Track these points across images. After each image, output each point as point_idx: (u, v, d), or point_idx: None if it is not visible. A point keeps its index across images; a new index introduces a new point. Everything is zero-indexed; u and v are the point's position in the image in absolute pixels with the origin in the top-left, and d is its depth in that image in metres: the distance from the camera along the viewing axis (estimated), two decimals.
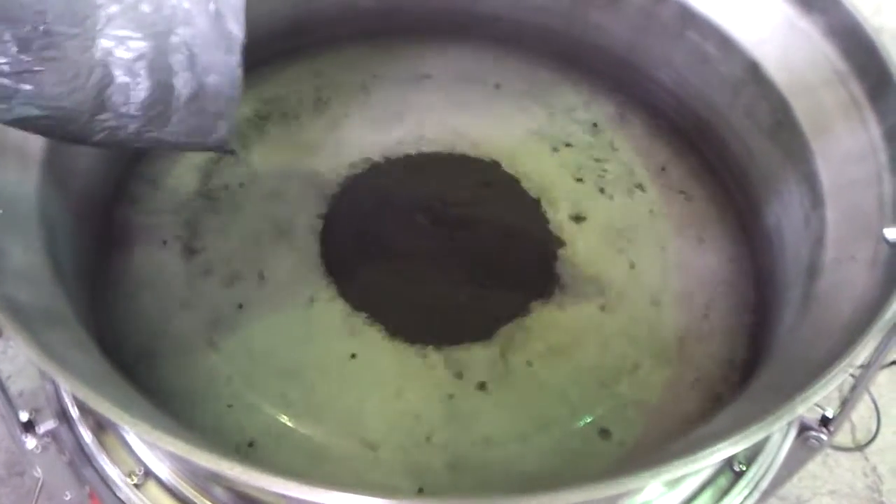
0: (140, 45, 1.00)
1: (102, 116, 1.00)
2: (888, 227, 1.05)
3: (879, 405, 2.21)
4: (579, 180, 1.50)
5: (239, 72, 1.09)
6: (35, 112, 0.96)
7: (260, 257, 1.36)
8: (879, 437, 2.18)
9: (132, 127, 1.03)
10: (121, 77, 1.00)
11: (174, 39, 1.02)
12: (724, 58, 1.44)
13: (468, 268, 1.38)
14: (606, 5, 1.58)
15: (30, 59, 0.93)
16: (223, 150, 1.15)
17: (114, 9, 0.97)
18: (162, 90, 1.03)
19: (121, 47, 0.98)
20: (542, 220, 1.43)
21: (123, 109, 1.01)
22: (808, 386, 0.87)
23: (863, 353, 0.91)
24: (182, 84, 1.04)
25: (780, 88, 1.35)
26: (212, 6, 1.04)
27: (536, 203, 1.46)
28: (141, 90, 1.01)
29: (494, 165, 1.51)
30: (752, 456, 1.14)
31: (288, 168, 1.49)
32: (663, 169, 1.53)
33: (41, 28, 0.93)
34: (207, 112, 1.08)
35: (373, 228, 1.41)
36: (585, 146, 1.56)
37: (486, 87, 1.66)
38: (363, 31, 1.71)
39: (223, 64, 1.07)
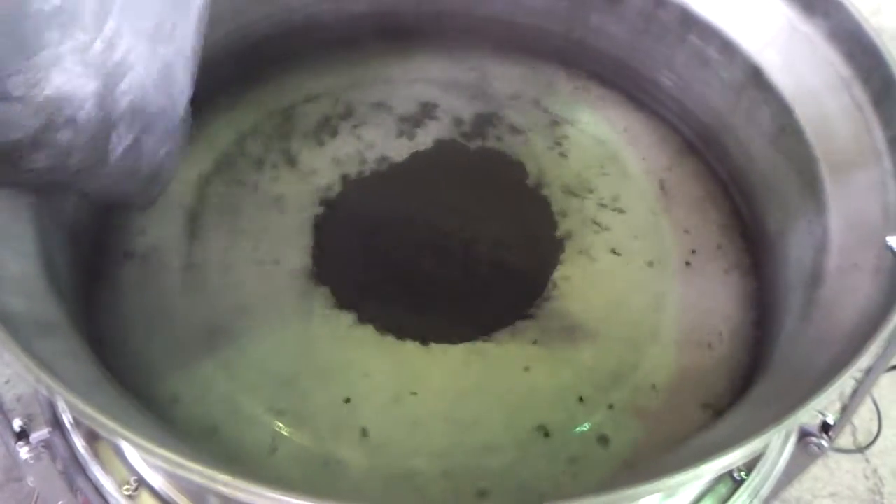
0: (88, 87, 0.97)
1: (36, 156, 0.98)
2: (892, 234, 1.04)
3: (880, 407, 2.21)
4: (579, 185, 1.49)
5: (185, 124, 1.08)
6: None
7: (257, 266, 1.35)
8: (880, 438, 2.18)
9: (64, 171, 1.01)
10: (62, 117, 0.97)
11: (123, 85, 1.00)
12: (725, 62, 1.44)
13: (466, 273, 1.37)
14: (606, 8, 1.57)
15: None
16: (148, 205, 1.14)
17: (63, 48, 0.94)
18: (103, 135, 1.01)
19: (67, 87, 0.96)
20: (542, 226, 1.43)
21: (59, 150, 0.99)
22: (809, 396, 0.86)
23: (865, 363, 0.90)
24: (124, 131, 1.03)
25: (783, 93, 1.34)
26: (163, 54, 1.03)
27: (535, 208, 1.45)
28: (82, 133, 0.99)
29: (493, 170, 1.51)
30: (752, 463, 1.14)
31: (285, 176, 1.48)
32: (665, 174, 1.52)
33: None
34: (139, 170, 1.07)
35: (370, 236, 1.41)
36: (586, 151, 1.55)
37: (484, 91, 1.65)
38: (358, 36, 1.70)
39: (169, 116, 1.06)
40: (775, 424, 0.84)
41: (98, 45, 0.97)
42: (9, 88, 0.92)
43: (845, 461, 2.14)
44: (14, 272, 1.04)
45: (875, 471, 2.13)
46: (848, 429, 2.18)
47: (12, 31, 0.90)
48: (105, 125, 1.01)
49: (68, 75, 0.95)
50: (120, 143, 1.03)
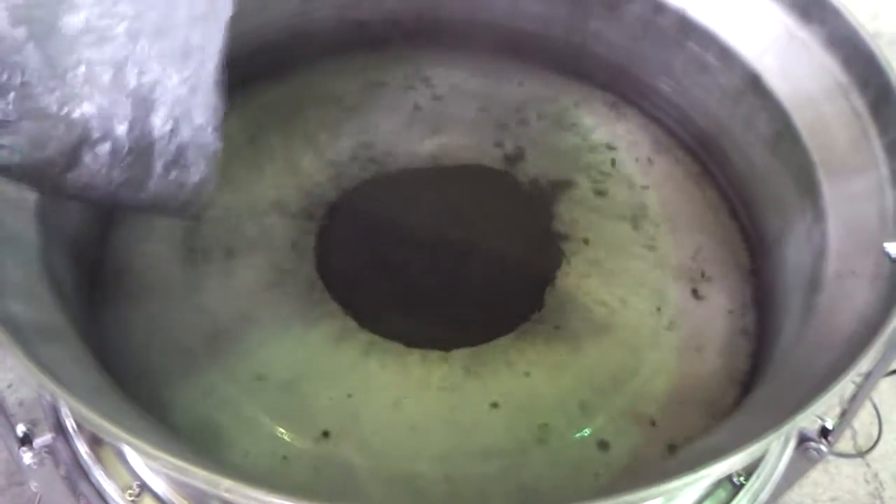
0: (122, 107, 0.98)
1: (74, 174, 0.98)
2: (889, 241, 1.04)
3: (881, 412, 2.21)
4: (577, 190, 1.49)
5: (217, 145, 1.09)
6: (6, 159, 0.94)
7: (258, 271, 1.35)
8: (881, 443, 2.18)
9: (105, 188, 1.02)
10: (98, 136, 0.98)
11: (157, 106, 1.01)
12: (723, 68, 1.44)
13: (466, 279, 1.38)
14: (605, 14, 1.58)
15: (4, 107, 0.91)
16: (191, 219, 1.16)
17: (98, 68, 0.95)
18: (140, 156, 1.02)
19: (103, 105, 0.97)
20: (541, 230, 1.43)
21: (97, 167, 0.99)
22: (807, 401, 0.86)
23: (863, 368, 0.90)
24: (161, 151, 1.03)
25: (781, 100, 1.35)
26: (192, 75, 1.04)
27: (535, 213, 1.46)
28: (118, 153, 1.00)
29: (493, 176, 1.51)
30: (751, 467, 1.14)
31: (286, 181, 1.48)
32: (663, 180, 1.52)
33: (18, 79, 0.91)
34: (185, 183, 1.08)
35: (370, 240, 1.41)
36: (585, 157, 1.55)
37: (485, 97, 1.65)
38: (359, 42, 1.71)
39: (202, 136, 1.06)
40: (774, 429, 0.84)
41: (130, 65, 0.98)
42: (42, 105, 0.93)
43: (846, 466, 2.14)
44: (17, 278, 1.05)
45: (875, 475, 2.14)
46: (848, 433, 2.18)
47: (44, 48, 0.92)
48: (145, 140, 1.01)
49: (102, 93, 0.96)
50: (162, 156, 1.03)
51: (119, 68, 0.97)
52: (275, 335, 1.28)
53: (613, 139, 1.59)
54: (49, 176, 0.98)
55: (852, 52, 1.26)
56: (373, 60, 1.70)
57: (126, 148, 1.00)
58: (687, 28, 1.47)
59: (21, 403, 1.84)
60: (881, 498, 2.10)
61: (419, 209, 1.47)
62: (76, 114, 0.95)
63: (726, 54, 1.43)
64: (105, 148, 0.98)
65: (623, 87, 1.64)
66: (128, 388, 1.10)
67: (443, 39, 1.71)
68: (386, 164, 1.52)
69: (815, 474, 2.10)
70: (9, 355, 0.88)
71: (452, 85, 1.67)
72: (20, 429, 1.06)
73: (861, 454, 2.16)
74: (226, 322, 1.29)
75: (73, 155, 0.97)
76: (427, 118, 1.60)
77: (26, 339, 0.91)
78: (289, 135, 1.56)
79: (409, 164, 1.52)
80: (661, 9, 1.49)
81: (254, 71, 1.62)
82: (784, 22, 1.35)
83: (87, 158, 0.98)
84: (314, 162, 1.51)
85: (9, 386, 2.00)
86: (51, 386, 0.84)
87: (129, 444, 0.80)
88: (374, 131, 1.57)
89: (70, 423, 1.13)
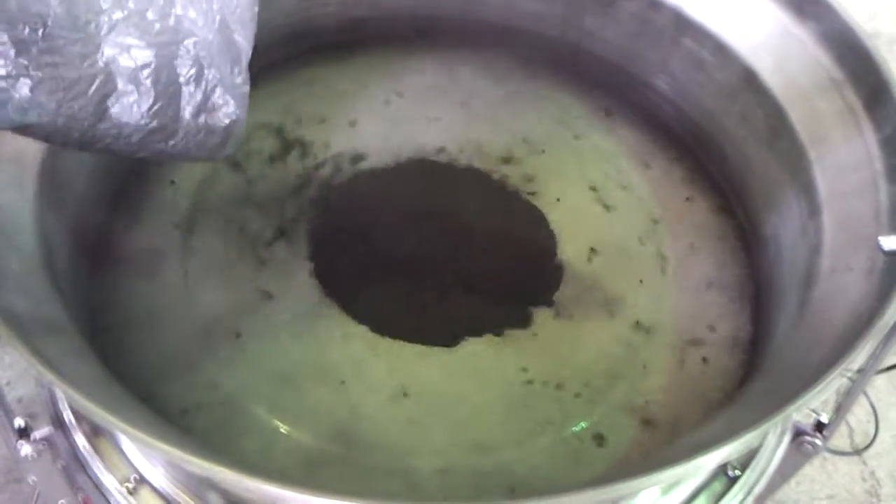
0: (145, 55, 0.98)
1: (104, 125, 0.98)
2: (883, 235, 1.05)
3: (878, 409, 2.21)
4: (576, 185, 1.50)
5: (245, 87, 1.08)
6: (34, 118, 0.93)
7: (255, 266, 1.35)
8: (878, 441, 2.18)
9: (135, 137, 1.01)
10: (124, 86, 0.98)
11: (181, 50, 1.00)
12: (719, 65, 1.45)
13: (465, 274, 1.38)
14: (600, 11, 1.58)
15: (28, 62, 0.90)
16: (223, 157, 1.14)
17: (118, 15, 0.95)
18: (167, 102, 1.01)
19: (125, 55, 0.96)
20: (539, 229, 1.43)
21: (126, 119, 0.99)
22: (799, 394, 0.87)
23: (855, 361, 0.91)
24: (188, 97, 1.02)
25: (776, 96, 1.35)
26: (220, 18, 1.03)
27: (533, 211, 1.46)
28: (145, 101, 0.99)
29: (488, 173, 1.51)
30: (746, 461, 1.14)
31: (283, 177, 1.49)
32: (660, 176, 1.53)
33: (40, 32, 0.90)
34: (215, 127, 1.07)
35: (365, 236, 1.41)
36: (582, 154, 1.56)
37: (479, 94, 1.66)
38: (354, 40, 1.71)
39: (229, 78, 1.06)
40: (767, 420, 0.85)
41: (153, 12, 0.98)
42: (66, 58, 0.92)
43: (842, 463, 2.14)
44: (17, 271, 1.05)
45: (872, 473, 2.14)
46: (845, 431, 2.18)
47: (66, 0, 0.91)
48: (170, 89, 1.01)
49: (124, 43, 0.96)
50: (189, 106, 1.03)
51: (141, 15, 0.97)
52: (273, 330, 1.28)
53: (608, 136, 1.59)
54: (77, 130, 0.97)
55: (847, 48, 1.27)
56: (369, 58, 1.70)
57: (153, 95, 1.00)
58: (682, 25, 1.47)
59: (20, 400, 1.85)
60: (878, 495, 2.11)
61: (416, 205, 1.48)
62: (100, 63, 0.95)
63: (722, 51, 1.43)
64: (132, 97, 0.98)
65: (618, 84, 1.64)
66: (125, 380, 1.11)
67: (439, 37, 1.72)
68: (380, 160, 1.52)
69: (813, 472, 2.11)
70: (8, 348, 0.88)
71: (447, 82, 1.67)
72: (18, 421, 1.06)
73: (858, 452, 2.16)
74: (224, 317, 1.29)
75: (100, 107, 0.97)
76: (422, 115, 1.60)
77: (26, 332, 0.91)
78: (284, 131, 1.56)
79: (402, 161, 1.53)
80: (657, 6, 1.49)
81: (253, 68, 1.62)
82: (779, 18, 1.35)
83: (115, 109, 0.98)
84: (310, 158, 1.52)
85: (7, 383, 2.00)
86: (50, 376, 0.85)
87: (125, 431, 0.80)
88: (368, 128, 1.58)
89: (68, 416, 1.14)
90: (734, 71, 1.42)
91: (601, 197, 1.49)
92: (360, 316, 1.30)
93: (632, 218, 1.46)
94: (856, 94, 1.26)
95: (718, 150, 1.50)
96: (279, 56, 1.65)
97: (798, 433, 1.15)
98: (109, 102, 0.97)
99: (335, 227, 1.41)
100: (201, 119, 1.05)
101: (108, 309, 1.28)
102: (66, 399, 0.84)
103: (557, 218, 1.45)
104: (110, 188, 1.40)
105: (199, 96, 1.04)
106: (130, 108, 0.99)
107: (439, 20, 1.71)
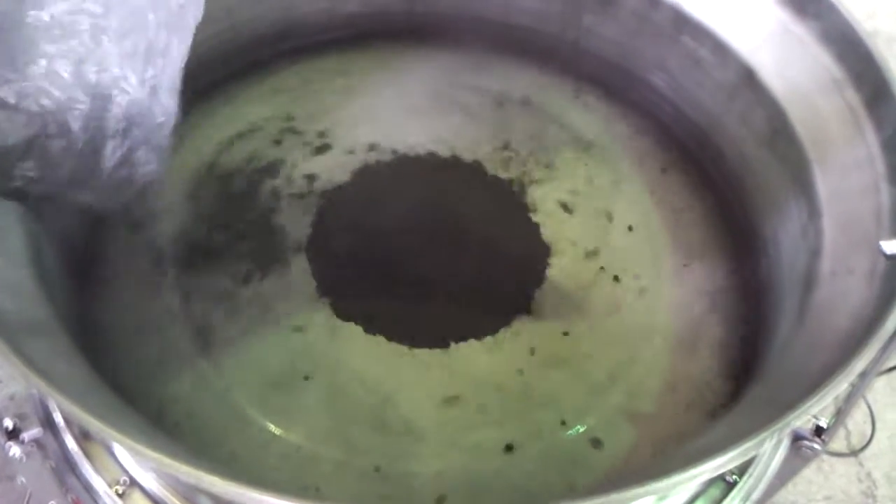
0: (80, 102, 0.98)
1: (25, 164, 0.98)
2: (885, 239, 1.04)
3: (874, 410, 2.20)
4: (573, 187, 1.49)
5: (169, 146, 1.09)
6: None
7: (250, 266, 1.34)
8: (874, 442, 2.17)
9: (53, 182, 1.02)
10: (53, 129, 0.98)
11: (113, 104, 1.00)
12: (718, 63, 1.44)
13: (459, 276, 1.37)
14: (599, 9, 1.57)
15: None
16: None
17: (58, 63, 0.95)
18: (92, 151, 1.02)
19: (60, 99, 0.97)
20: (535, 226, 1.43)
21: (47, 162, 0.99)
22: (801, 401, 0.85)
23: (858, 368, 0.90)
24: (112, 150, 1.03)
25: (776, 95, 1.34)
26: (152, 77, 1.03)
27: (528, 211, 1.45)
28: (72, 146, 1.00)
29: (485, 170, 1.50)
30: (744, 466, 1.13)
31: (278, 178, 1.47)
32: (658, 176, 1.52)
33: None
34: (132, 183, 1.08)
35: (362, 238, 1.40)
36: (579, 152, 1.55)
37: (477, 92, 1.65)
38: (350, 36, 1.70)
39: (155, 139, 1.06)
40: (767, 429, 0.83)
41: (91, 63, 0.97)
42: (2, 96, 0.92)
43: (839, 465, 2.13)
44: (5, 274, 1.04)
45: (868, 474, 2.13)
46: (842, 432, 2.18)
47: (7, 39, 0.91)
48: (97, 138, 1.01)
49: (61, 88, 0.96)
50: (113, 155, 1.03)
51: (79, 65, 0.97)
52: (265, 331, 1.27)
53: (606, 134, 1.58)
54: (2, 168, 0.98)
55: (848, 47, 1.26)
56: (365, 55, 1.69)
57: (80, 144, 1.00)
58: (681, 23, 1.46)
59: (12, 398, 1.83)
60: (874, 496, 2.10)
61: (411, 203, 1.46)
62: (34, 107, 0.95)
63: (721, 49, 1.42)
64: (59, 143, 0.98)
65: (617, 83, 1.64)
66: (116, 383, 1.09)
67: (436, 34, 1.71)
68: (377, 158, 1.51)
69: (809, 473, 2.10)
70: None
71: (445, 80, 1.66)
72: (8, 422, 1.05)
73: (854, 453, 2.15)
74: (216, 317, 1.28)
75: (25, 147, 0.97)
76: (419, 113, 1.59)
77: (13, 335, 0.90)
78: (280, 128, 1.55)
79: (400, 158, 1.52)
80: (656, 3, 1.48)
81: (247, 64, 1.61)
82: (779, 17, 1.34)
83: (39, 152, 0.98)
84: (305, 156, 1.51)
85: None
86: (39, 383, 0.83)
87: (117, 441, 0.79)
88: (364, 125, 1.56)
89: (58, 418, 1.12)
90: (733, 70, 1.41)
91: (596, 195, 1.48)
92: (354, 318, 1.29)
93: (628, 219, 1.45)
94: (857, 93, 1.24)
95: (717, 150, 1.49)
96: (275, 51, 1.65)
97: (797, 438, 1.14)
98: (35, 145, 0.97)
99: (329, 229, 1.40)
100: (122, 173, 1.06)
101: (97, 309, 1.27)
102: (56, 404, 0.82)
103: (552, 217, 1.44)
104: None
105: (123, 150, 1.04)
106: (55, 152, 0.99)
107: (436, 17, 1.70)
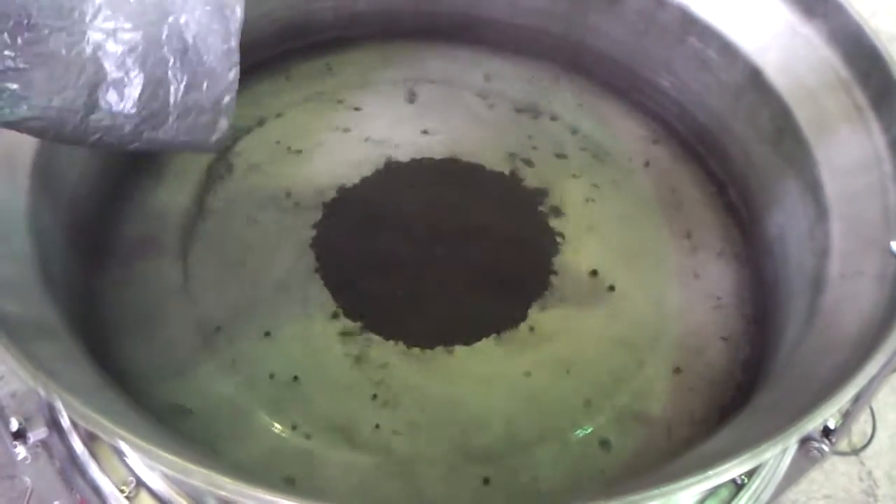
0: (131, 37, 0.95)
1: (96, 116, 0.96)
2: (895, 240, 1.03)
3: (875, 409, 2.20)
4: (577, 185, 1.49)
5: (235, 58, 1.05)
6: (25, 113, 0.91)
7: (255, 267, 1.34)
8: (875, 441, 2.17)
9: (128, 127, 0.99)
10: (113, 73, 0.95)
11: (165, 29, 0.98)
12: (724, 63, 1.44)
13: (465, 276, 1.36)
14: (605, 9, 1.57)
15: (14, 55, 0.88)
16: (218, 148, 1.12)
17: (104, 2, 0.93)
18: (157, 85, 0.99)
19: (111, 40, 0.94)
20: (541, 227, 1.42)
21: (118, 108, 0.97)
22: (816, 405, 0.85)
23: (871, 371, 0.89)
24: (177, 77, 1.00)
25: (782, 95, 1.34)
26: None
27: (535, 209, 1.45)
28: (135, 86, 0.97)
29: (491, 171, 1.50)
30: (753, 467, 1.13)
31: (282, 177, 1.47)
32: (664, 176, 1.51)
33: (25, 22, 0.88)
34: (205, 108, 1.05)
35: (368, 238, 1.40)
36: (584, 152, 1.54)
37: (484, 91, 1.64)
38: (358, 36, 1.70)
39: (220, 53, 1.03)
40: (784, 433, 0.83)
41: None
42: (52, 47, 0.90)
43: (840, 463, 2.13)
44: (9, 274, 1.04)
45: (869, 473, 2.13)
46: None
47: None
48: (158, 71, 0.99)
49: (109, 28, 0.94)
50: (178, 84, 1.01)
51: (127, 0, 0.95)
52: (273, 332, 1.26)
53: (612, 135, 1.58)
54: (70, 122, 0.95)
55: (855, 47, 1.26)
56: (370, 54, 1.69)
57: (143, 80, 0.97)
58: (688, 23, 1.46)
59: (14, 395, 1.83)
60: (875, 495, 2.10)
61: (418, 206, 1.46)
62: (87, 51, 0.93)
63: (728, 49, 1.42)
64: (122, 84, 0.96)
65: (622, 83, 1.63)
66: (122, 384, 1.09)
67: (441, 34, 1.70)
68: (382, 159, 1.50)
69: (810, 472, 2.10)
70: (4, 353, 0.86)
71: (450, 80, 1.66)
72: (14, 423, 1.05)
73: (855, 452, 2.15)
74: (223, 319, 1.27)
75: (91, 97, 0.95)
76: (424, 113, 1.59)
77: (20, 337, 0.90)
78: (284, 128, 1.55)
79: (405, 159, 1.51)
80: (663, 3, 1.48)
81: (251, 63, 1.60)
82: (786, 17, 1.34)
83: (106, 99, 0.96)
84: (311, 157, 1.50)
85: (0, 377, 1.98)
86: (48, 386, 0.83)
87: (128, 443, 0.79)
88: (369, 126, 1.56)
89: (65, 419, 1.12)
90: (740, 70, 1.41)
91: (602, 197, 1.47)
92: (362, 318, 1.28)
93: (633, 220, 1.45)
94: (864, 94, 1.25)
95: (723, 151, 1.49)
96: (279, 50, 1.65)
97: (805, 439, 1.13)
98: (100, 91, 0.95)
99: (337, 230, 1.40)
100: (191, 98, 1.03)
101: (103, 310, 1.26)
102: (65, 407, 0.82)
103: (556, 218, 1.44)
104: (105, 184, 1.38)
105: (187, 76, 1.01)
106: (121, 95, 0.97)
107: (441, 17, 1.69)
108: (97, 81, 0.95)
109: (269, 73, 1.63)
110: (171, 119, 1.03)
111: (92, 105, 0.96)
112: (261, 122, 1.55)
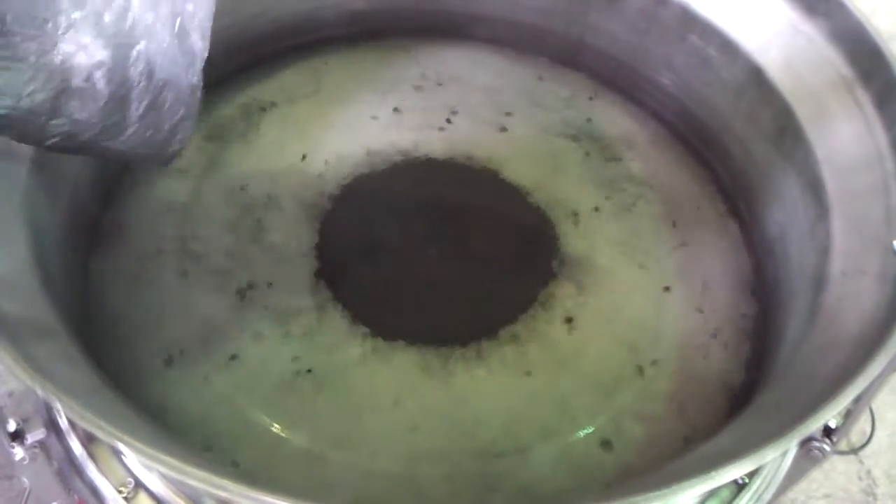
0: (100, 54, 0.98)
1: (57, 121, 0.98)
2: None
3: (874, 408, 2.20)
4: (578, 185, 1.48)
5: (198, 91, 1.10)
6: None
7: (255, 265, 1.33)
8: (874, 440, 2.17)
9: (86, 135, 1.02)
10: (79, 83, 0.98)
11: (134, 52, 1.01)
12: (726, 62, 1.43)
13: (464, 276, 1.36)
14: (606, 7, 1.57)
15: None
16: (168, 163, 1.16)
17: (76, 15, 0.95)
18: (119, 101, 1.02)
19: (81, 53, 0.96)
20: (541, 225, 1.42)
21: (78, 116, 0.99)
22: (818, 406, 0.85)
23: (875, 371, 0.89)
24: (139, 97, 1.03)
25: (784, 93, 1.34)
26: (178, 21, 1.03)
27: (535, 208, 1.44)
28: (98, 99, 1.00)
29: (491, 169, 1.50)
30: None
31: (282, 174, 1.46)
32: (664, 175, 1.51)
33: None
34: (162, 128, 1.08)
35: (369, 234, 1.39)
36: (584, 150, 1.54)
37: (483, 90, 1.64)
38: (357, 33, 1.70)
39: (182, 81, 1.07)
40: (787, 434, 0.83)
41: (110, 14, 0.97)
42: (21, 53, 0.92)
43: (839, 462, 2.14)
44: (6, 273, 1.03)
45: (868, 472, 2.13)
46: None
47: None
48: (122, 89, 1.01)
49: (80, 42, 0.95)
50: (139, 105, 1.04)
51: (99, 16, 0.97)
52: (271, 333, 1.26)
53: (612, 134, 1.58)
54: (33, 125, 0.97)
55: (857, 45, 1.25)
56: (370, 52, 1.69)
57: (106, 94, 1.00)
58: (689, 21, 1.46)
59: (11, 395, 1.82)
60: (874, 494, 2.10)
61: (421, 201, 1.46)
62: (56, 62, 0.95)
63: (729, 48, 1.42)
64: (85, 95, 0.98)
65: (623, 81, 1.63)
66: (120, 384, 1.08)
67: (441, 32, 1.70)
68: (381, 158, 1.50)
69: None
70: (1, 353, 0.85)
71: (450, 77, 1.66)
72: (11, 424, 1.04)
73: (854, 451, 2.15)
74: (222, 318, 1.27)
75: (54, 103, 0.97)
76: (423, 112, 1.59)
77: (18, 337, 0.89)
78: (284, 126, 1.54)
79: (405, 159, 1.51)
80: (664, 1, 1.48)
81: (250, 60, 1.60)
82: (788, 15, 1.34)
83: (68, 106, 0.98)
84: (311, 155, 1.50)
85: None
86: (45, 388, 0.82)
87: (127, 444, 0.78)
88: (368, 125, 1.56)
89: (63, 420, 1.11)
90: (741, 68, 1.41)
91: (602, 193, 1.47)
92: (362, 319, 1.28)
93: (633, 219, 1.45)
94: (866, 92, 1.24)
95: (723, 149, 1.49)
96: (280, 48, 1.64)
97: (806, 439, 1.13)
98: (63, 98, 0.97)
99: (337, 228, 1.39)
100: (149, 118, 1.06)
101: (101, 309, 1.26)
102: (63, 409, 0.81)
103: (556, 218, 1.43)
104: (104, 183, 1.38)
105: (148, 97, 1.05)
106: (83, 105, 0.99)
107: (441, 15, 1.69)
108: (62, 90, 0.97)
109: (268, 72, 1.63)
110: (127, 132, 1.06)
111: (54, 111, 0.98)
112: (258, 122, 1.55)
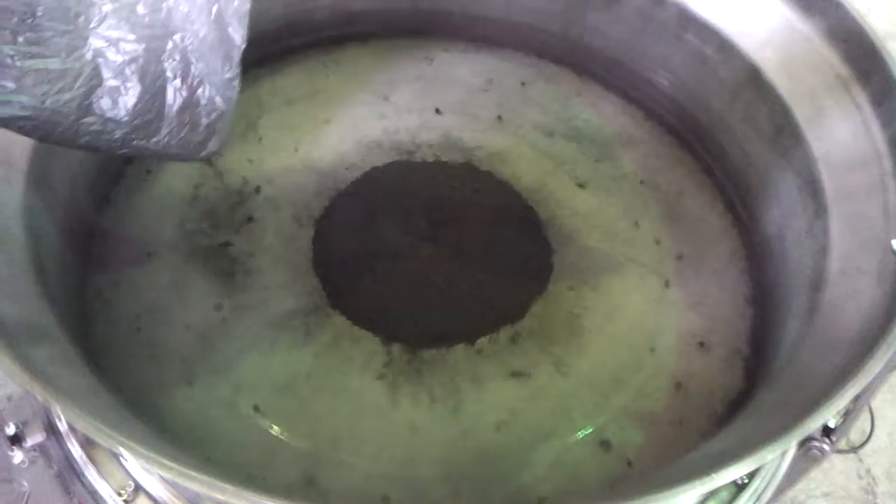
0: (133, 49, 0.95)
1: (88, 120, 0.96)
2: (895, 237, 1.03)
3: (873, 407, 2.19)
4: (576, 185, 1.48)
5: (235, 83, 1.06)
6: (17, 111, 0.91)
7: (252, 266, 1.33)
8: (873, 438, 2.16)
9: (119, 133, 0.99)
10: (110, 80, 0.95)
11: (169, 45, 0.98)
12: (723, 61, 1.43)
13: (465, 274, 1.36)
14: (603, 7, 1.57)
15: (13, 53, 0.88)
16: (208, 159, 1.12)
17: (108, 7, 0.92)
18: (153, 97, 0.99)
19: (112, 49, 0.94)
20: (538, 225, 1.42)
21: (111, 114, 0.97)
22: (817, 406, 0.85)
23: (874, 370, 0.89)
24: (174, 92, 1.00)
25: (781, 93, 1.33)
26: (214, 8, 1.01)
27: (531, 208, 1.44)
28: (130, 96, 0.97)
29: (489, 168, 1.50)
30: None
31: (280, 174, 1.46)
32: (661, 174, 1.51)
33: (28, 21, 0.88)
34: (199, 124, 1.05)
35: (367, 235, 1.39)
36: (581, 150, 1.54)
37: (481, 90, 1.64)
38: (357, 34, 1.70)
39: (219, 73, 1.03)
40: (788, 433, 0.83)
41: (144, 5, 0.95)
42: (52, 50, 0.90)
43: (839, 461, 2.13)
44: (5, 277, 1.03)
45: (868, 470, 2.13)
46: None
47: None
48: (156, 83, 0.99)
49: (112, 36, 0.93)
50: (176, 97, 1.01)
51: (131, 8, 0.94)
52: (271, 335, 1.26)
53: (610, 133, 1.57)
54: (62, 125, 0.95)
55: (854, 45, 1.26)
56: (369, 52, 1.69)
57: (139, 90, 0.97)
58: (686, 21, 1.46)
59: (10, 398, 1.82)
60: (874, 493, 2.10)
61: (418, 201, 1.45)
62: (87, 56, 0.92)
63: (726, 47, 1.42)
64: (118, 92, 0.96)
65: (620, 81, 1.63)
66: (118, 387, 1.09)
67: (439, 32, 1.70)
68: (379, 158, 1.50)
69: None
70: None
71: (448, 77, 1.66)
72: (10, 427, 1.04)
73: (854, 449, 2.15)
74: (218, 321, 1.27)
75: (85, 101, 0.94)
76: (421, 112, 1.59)
77: (16, 340, 0.89)
78: (282, 126, 1.54)
79: (403, 158, 1.51)
80: (661, 2, 1.48)
81: (249, 61, 1.60)
82: (785, 14, 1.34)
83: (101, 104, 0.96)
84: (309, 155, 1.50)
85: None
86: (43, 392, 0.82)
87: (126, 448, 0.78)
88: (366, 125, 1.56)
89: (62, 423, 1.11)
90: (738, 67, 1.41)
91: (599, 196, 1.47)
92: (361, 321, 1.28)
93: (632, 219, 1.45)
94: (863, 91, 1.24)
95: (720, 149, 1.49)
96: (277, 48, 1.64)
97: (806, 439, 1.13)
98: (95, 97, 0.95)
99: (335, 228, 1.39)
100: (186, 116, 1.03)
101: (99, 311, 1.26)
102: (62, 413, 0.81)
103: (555, 218, 1.43)
104: (101, 185, 1.38)
105: (184, 92, 1.02)
106: (116, 103, 0.97)
107: (439, 14, 1.69)
108: (93, 87, 0.95)
109: (267, 73, 1.63)
110: (163, 131, 1.03)
111: (85, 109, 0.95)
112: (256, 122, 1.54)
